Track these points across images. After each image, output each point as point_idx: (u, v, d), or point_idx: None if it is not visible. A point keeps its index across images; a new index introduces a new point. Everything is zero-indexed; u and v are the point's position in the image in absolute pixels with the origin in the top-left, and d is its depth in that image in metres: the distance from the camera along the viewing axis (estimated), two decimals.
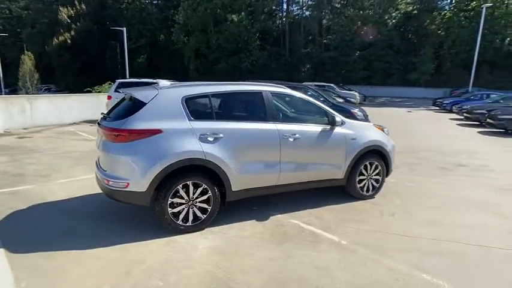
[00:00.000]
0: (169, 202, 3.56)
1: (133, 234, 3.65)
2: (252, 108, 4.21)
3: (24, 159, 7.09)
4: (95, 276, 2.89)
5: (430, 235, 3.82)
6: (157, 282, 2.82)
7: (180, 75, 33.94)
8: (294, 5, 46.84)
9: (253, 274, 2.97)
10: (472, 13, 33.94)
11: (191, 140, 3.61)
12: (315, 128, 4.42)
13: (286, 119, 4.33)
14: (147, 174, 3.43)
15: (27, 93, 25.42)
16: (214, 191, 3.76)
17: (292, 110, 4.60)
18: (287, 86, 4.75)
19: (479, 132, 12.56)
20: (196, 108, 3.79)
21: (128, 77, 29.02)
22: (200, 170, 3.69)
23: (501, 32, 32.83)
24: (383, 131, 5.15)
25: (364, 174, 4.83)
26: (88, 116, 14.17)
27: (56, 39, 43.99)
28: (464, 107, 16.06)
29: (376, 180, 4.97)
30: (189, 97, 3.77)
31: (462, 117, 15.95)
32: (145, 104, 3.59)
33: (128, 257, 3.22)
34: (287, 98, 4.52)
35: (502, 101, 15.63)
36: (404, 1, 39.21)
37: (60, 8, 45.21)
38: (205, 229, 3.81)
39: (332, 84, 21.34)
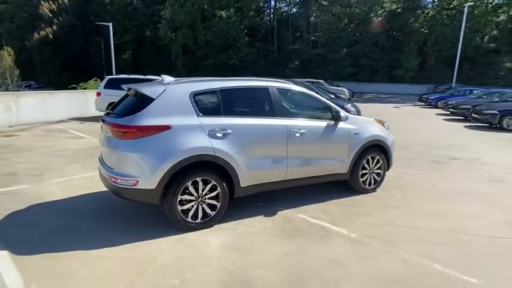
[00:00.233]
0: (178, 199, 3.51)
1: (140, 232, 3.59)
2: (259, 103, 4.18)
3: (14, 158, 6.86)
4: (107, 276, 2.83)
5: (435, 226, 3.90)
6: (173, 280, 2.77)
7: (167, 71, 33.49)
8: (281, 2, 46.83)
9: (269, 269, 2.96)
10: (453, 12, 34.72)
11: (200, 136, 3.57)
12: (320, 123, 4.44)
13: (292, 114, 4.33)
14: (156, 171, 3.37)
15: (7, 90, 24.55)
16: (223, 187, 3.73)
17: (298, 106, 4.60)
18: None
19: (465, 126, 12.91)
20: (204, 104, 3.75)
21: (114, 73, 28.46)
22: (209, 166, 3.65)
23: (481, 30, 33.73)
24: (383, 125, 5.22)
25: (366, 169, 4.89)
26: (76, 113, 13.84)
27: (36, 34, 42.67)
28: (450, 102, 16.45)
29: (378, 174, 5.04)
30: (197, 93, 3.71)
31: (448, 112, 16.34)
32: (153, 99, 3.51)
33: (138, 256, 3.15)
34: (292, 94, 4.52)
35: (485, 97, 16.09)
36: None
37: (42, 2, 43.80)
38: (214, 226, 3.78)
39: (321, 81, 21.48)
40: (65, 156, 7.02)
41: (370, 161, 4.90)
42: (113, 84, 13.10)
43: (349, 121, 4.67)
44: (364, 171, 4.88)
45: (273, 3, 45.94)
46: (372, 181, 4.99)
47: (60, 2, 44.32)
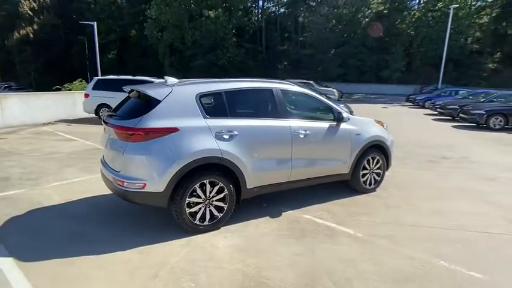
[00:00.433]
0: (186, 202, 3.50)
1: (147, 235, 3.56)
2: (264, 105, 4.20)
3: (4, 162, 6.68)
4: (122, 280, 2.80)
5: (436, 224, 4.00)
6: (188, 283, 2.76)
7: (154, 71, 33.11)
8: (269, 2, 46.98)
9: (283, 270, 2.98)
10: (438, 13, 35.56)
11: (208, 137, 3.56)
12: (323, 124, 4.49)
13: (296, 115, 4.36)
14: (165, 174, 3.35)
15: None
16: (230, 189, 3.73)
17: (301, 107, 4.64)
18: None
19: (453, 126, 13.24)
20: (210, 106, 3.74)
21: (99, 73, 28.00)
22: (216, 168, 3.65)
23: (465, 32, 34.68)
24: (382, 126, 5.31)
25: (367, 169, 4.97)
26: (63, 115, 13.57)
27: (16, 34, 41.62)
28: (438, 103, 16.84)
29: (378, 174, 5.13)
30: (202, 94, 3.70)
31: (436, 112, 16.71)
32: (159, 101, 3.49)
33: (150, 259, 3.13)
34: (295, 95, 4.55)
35: (471, 97, 16.55)
36: (376, 1, 40.41)
37: (22, 0, 42.69)
38: (222, 228, 3.78)
39: (311, 81, 21.65)
40: (57, 160, 6.87)
41: (371, 161, 4.98)
42: (102, 86, 12.92)
43: (351, 122, 4.74)
44: (364, 172, 4.95)
45: (260, 3, 46.14)
46: (372, 181, 5.08)
47: (41, 0, 43.28)
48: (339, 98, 22.56)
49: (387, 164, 5.23)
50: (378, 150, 5.04)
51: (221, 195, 3.71)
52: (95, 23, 28.88)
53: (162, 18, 39.39)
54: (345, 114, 4.60)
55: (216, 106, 3.80)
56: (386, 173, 5.55)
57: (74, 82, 19.47)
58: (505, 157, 7.81)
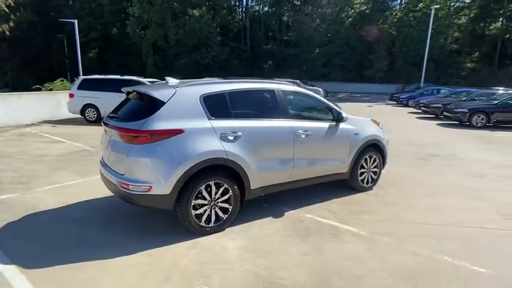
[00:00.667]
0: (192, 204, 3.47)
1: (153, 238, 3.52)
2: (266, 105, 4.22)
3: None
4: (133, 285, 2.77)
5: (435, 221, 4.13)
6: (201, 286, 2.75)
7: (136, 70, 32.55)
8: (253, 1, 46.96)
9: (294, 269, 3.01)
10: (419, 14, 36.46)
11: (213, 139, 3.55)
12: (323, 124, 4.55)
13: (297, 116, 4.40)
14: (171, 177, 3.31)
15: None
16: (234, 190, 3.73)
17: (301, 107, 4.67)
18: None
19: (438, 124, 13.63)
20: (214, 107, 3.71)
21: (81, 72, 27.33)
22: (221, 170, 3.64)
23: (444, 32, 35.69)
24: (378, 125, 5.41)
25: (364, 167, 5.07)
26: (47, 116, 13.15)
27: None
28: (421, 101, 17.29)
29: (374, 173, 5.23)
30: (207, 95, 3.68)
31: (420, 111, 17.16)
32: (164, 103, 3.44)
33: (159, 262, 3.10)
34: (295, 95, 4.58)
35: (453, 96, 17.06)
36: (359, 0, 41.04)
37: None
38: (226, 229, 3.77)
39: (297, 81, 21.79)
40: (47, 162, 6.67)
41: (368, 160, 5.08)
42: (88, 85, 12.64)
43: (349, 122, 4.81)
44: (362, 170, 5.04)
45: (244, 1, 46.05)
46: (369, 179, 5.18)
47: None
48: (324, 97, 22.82)
49: (383, 162, 5.34)
50: (374, 149, 5.14)
51: (226, 197, 3.70)
52: (76, 20, 28.13)
53: (145, 16, 38.74)
54: (344, 114, 4.67)
55: (220, 107, 3.78)
56: (382, 171, 5.67)
57: (55, 82, 18.91)
58: (490, 154, 8.11)
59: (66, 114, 13.14)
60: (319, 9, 39.68)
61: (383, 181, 5.50)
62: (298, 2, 42.64)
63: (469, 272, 3.02)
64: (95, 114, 12.43)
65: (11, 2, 42.48)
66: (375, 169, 5.22)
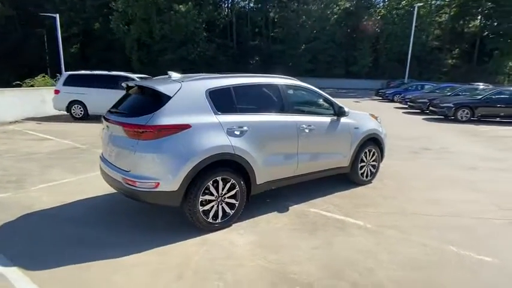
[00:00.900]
0: (200, 200, 3.43)
1: (158, 236, 3.46)
2: (270, 100, 4.20)
3: None
4: (147, 283, 2.70)
5: (435, 212, 4.22)
6: (216, 283, 2.72)
7: (120, 66, 31.82)
8: None
9: (306, 264, 3.01)
10: (402, 11, 37.13)
11: (220, 134, 3.50)
12: (325, 119, 4.57)
13: (300, 110, 4.40)
14: (179, 172, 3.25)
15: None
16: (241, 185, 3.70)
17: (303, 101, 4.68)
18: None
19: (424, 119, 13.94)
20: (220, 101, 3.66)
21: (63, 68, 26.59)
22: (228, 165, 3.60)
23: (426, 29, 36.46)
24: (376, 119, 5.48)
25: (364, 161, 5.12)
26: (31, 113, 12.71)
27: None
28: (407, 96, 17.63)
29: (373, 166, 5.30)
30: (212, 90, 3.63)
31: (406, 106, 17.49)
32: (170, 97, 3.37)
33: (169, 260, 3.04)
34: (298, 90, 4.58)
35: (437, 91, 17.46)
36: None
37: None
38: (233, 225, 3.75)
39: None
40: (37, 160, 6.45)
41: (367, 153, 5.13)
42: (74, 81, 12.28)
43: (350, 116, 4.85)
44: (362, 164, 5.10)
45: None
46: (369, 173, 5.24)
47: None
48: None
49: (381, 156, 5.41)
50: (373, 143, 5.20)
51: (233, 192, 3.67)
52: (57, 15, 27.27)
53: (129, 11, 37.95)
54: (346, 109, 4.70)
55: (226, 102, 3.73)
56: None
57: (36, 78, 18.30)
58: (477, 147, 8.36)
59: (51, 111, 12.74)
60: (305, 6, 39.80)
61: (380, 174, 5.57)
62: None
63: (474, 261, 3.10)
64: (81, 110, 12.11)
65: None
66: (374, 163, 5.28)
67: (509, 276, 2.90)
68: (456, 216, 4.13)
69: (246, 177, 3.76)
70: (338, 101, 4.87)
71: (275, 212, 4.14)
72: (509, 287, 2.80)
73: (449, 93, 15.69)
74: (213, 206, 3.56)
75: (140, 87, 3.76)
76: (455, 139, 9.41)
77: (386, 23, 37.71)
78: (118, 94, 12.46)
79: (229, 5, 46.54)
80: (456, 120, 12.73)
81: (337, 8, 40.89)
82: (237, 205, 3.72)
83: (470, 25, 40.70)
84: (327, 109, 4.72)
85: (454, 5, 39.05)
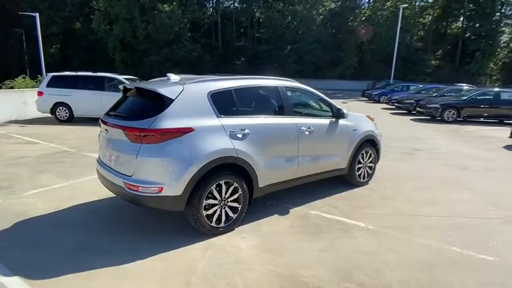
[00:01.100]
0: (204, 204, 3.37)
1: (161, 241, 3.39)
2: (271, 102, 4.18)
3: None
4: None
5: (434, 213, 4.29)
6: None
7: (102, 67, 31.09)
8: None
9: (314, 267, 3.01)
10: (387, 12, 37.79)
11: (222, 137, 3.46)
12: (324, 121, 4.58)
13: (300, 112, 4.41)
14: (183, 177, 3.20)
15: None
16: (243, 188, 3.67)
17: (303, 103, 4.68)
18: None
19: (412, 119, 14.21)
20: (222, 104, 3.61)
21: (44, 69, 25.89)
22: (231, 168, 3.56)
23: (410, 30, 37.21)
24: (372, 121, 5.53)
25: (361, 163, 5.16)
26: (13, 116, 12.33)
27: None
28: (394, 97, 17.93)
29: (370, 167, 5.35)
30: (214, 92, 3.58)
31: (393, 106, 17.79)
32: (172, 100, 3.31)
33: (175, 266, 2.98)
34: (297, 92, 4.58)
35: (423, 92, 17.83)
36: None
37: None
38: (236, 229, 3.71)
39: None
40: (26, 165, 6.24)
41: (364, 155, 5.18)
42: (58, 83, 11.95)
43: (348, 118, 4.87)
44: (359, 165, 5.14)
45: None
46: (366, 174, 5.29)
47: None
48: None
49: (378, 157, 5.47)
50: (370, 144, 5.25)
51: (235, 196, 3.64)
52: (37, 14, 26.52)
53: (111, 10, 37.24)
54: (344, 111, 4.72)
55: (228, 104, 3.69)
56: None
57: (16, 79, 17.73)
58: (466, 147, 8.58)
59: (34, 113, 12.38)
60: (291, 7, 40.00)
61: (376, 176, 5.63)
62: None
63: (477, 261, 3.16)
64: (66, 113, 11.81)
65: None
66: (371, 164, 5.33)
67: None
68: (454, 216, 4.20)
69: (248, 180, 3.72)
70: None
71: (276, 215, 4.12)
72: None
73: (435, 94, 16.06)
74: (216, 210, 3.51)
75: (140, 90, 3.68)
76: (445, 139, 9.62)
77: (372, 23, 38.29)
78: (104, 96, 12.21)
79: (214, 4, 46.33)
80: (443, 121, 13.03)
81: (323, 8, 41.27)
82: (239, 209, 3.69)
83: (453, 26, 41.83)
84: (326, 111, 4.73)
85: (437, 7, 40.06)
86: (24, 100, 12.98)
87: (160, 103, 3.31)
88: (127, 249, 3.25)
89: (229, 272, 2.90)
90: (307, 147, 4.30)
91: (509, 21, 37.65)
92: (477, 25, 37.09)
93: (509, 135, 8.70)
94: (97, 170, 3.93)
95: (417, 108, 14.32)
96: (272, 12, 39.93)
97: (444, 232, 3.74)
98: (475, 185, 5.44)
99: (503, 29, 37.70)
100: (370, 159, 5.30)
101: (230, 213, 3.63)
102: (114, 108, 3.81)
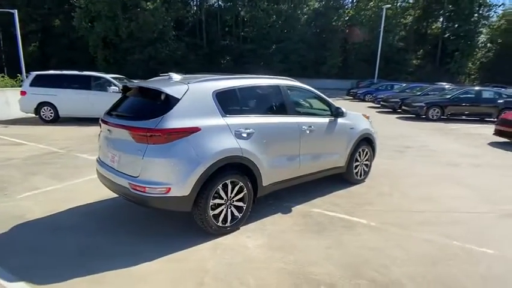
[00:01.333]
0: (210, 204, 3.36)
1: (168, 242, 3.36)
2: (273, 101, 4.19)
3: None
4: None
5: (431, 208, 4.41)
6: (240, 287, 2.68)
7: (84, 65, 30.31)
8: None
9: (323, 264, 3.05)
10: (369, 12, 38.43)
11: (228, 136, 3.46)
12: (324, 120, 4.64)
13: (301, 111, 4.44)
14: (191, 177, 3.17)
15: None
16: (248, 187, 3.67)
17: (303, 102, 4.72)
18: None
19: (397, 117, 14.53)
20: (226, 103, 3.60)
21: (22, 68, 25.07)
22: (236, 168, 3.56)
23: (392, 30, 37.93)
24: (368, 119, 5.63)
25: (358, 161, 5.25)
26: None
27: None
28: (379, 96, 18.28)
29: (366, 165, 5.45)
30: (219, 91, 3.57)
31: (378, 105, 18.13)
32: (178, 99, 3.28)
33: (185, 266, 2.96)
34: (297, 91, 4.62)
35: (408, 91, 18.25)
36: None
37: None
38: (241, 228, 3.71)
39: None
40: (16, 167, 6.03)
41: (361, 153, 5.26)
42: (42, 82, 11.58)
43: (345, 116, 4.94)
44: (356, 163, 5.22)
45: None
46: (362, 172, 5.38)
47: None
48: None
49: (373, 155, 5.58)
50: (366, 142, 5.34)
51: (241, 195, 3.64)
52: (16, 10, 25.62)
53: (92, 7, 36.38)
54: (344, 109, 4.79)
55: (232, 103, 3.69)
56: None
57: None
58: (453, 144, 8.86)
59: (17, 113, 11.98)
60: (275, 6, 40.11)
61: (372, 173, 5.73)
62: None
63: (479, 254, 3.28)
64: (51, 112, 11.46)
65: None
66: (367, 162, 5.43)
67: None
68: (451, 211, 4.34)
69: (252, 179, 3.73)
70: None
71: (279, 214, 4.15)
72: None
73: (419, 93, 16.46)
74: (222, 210, 3.51)
75: (144, 89, 3.62)
76: (432, 137, 9.88)
77: (355, 23, 38.84)
78: (91, 95, 11.92)
79: (198, 3, 45.92)
80: (427, 119, 13.38)
81: (307, 8, 41.57)
82: (244, 208, 3.69)
83: (433, 27, 42.93)
84: (324, 110, 4.79)
85: (418, 7, 41.03)
86: (5, 100, 12.55)
87: (166, 103, 3.28)
88: (132, 251, 3.20)
89: (241, 271, 2.91)
90: (308, 145, 4.34)
91: (486, 22, 38.96)
92: (456, 26, 38.22)
93: (493, 133, 9.02)
94: (97, 170, 3.85)
95: (402, 107, 14.65)
96: (257, 11, 39.92)
97: (443, 227, 3.85)
98: (467, 181, 5.63)
99: (481, 29, 39.01)
100: (367, 157, 5.40)
101: (236, 213, 3.63)
102: (116, 107, 3.74)
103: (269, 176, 3.89)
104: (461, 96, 13.58)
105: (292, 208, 4.33)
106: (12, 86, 15.48)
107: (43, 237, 3.47)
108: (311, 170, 4.52)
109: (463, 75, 39.22)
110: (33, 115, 11.50)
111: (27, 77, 12.72)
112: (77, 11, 36.39)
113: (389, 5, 32.84)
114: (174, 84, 3.48)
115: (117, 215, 4.09)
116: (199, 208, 3.31)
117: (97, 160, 3.91)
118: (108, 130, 3.56)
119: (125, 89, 3.95)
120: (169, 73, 3.83)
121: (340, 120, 4.83)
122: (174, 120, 3.19)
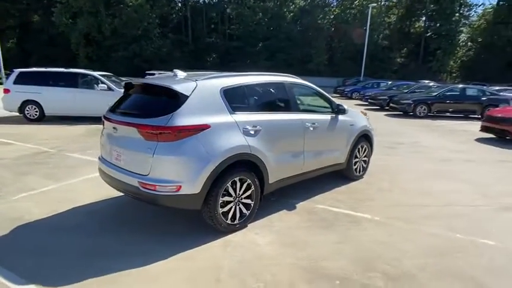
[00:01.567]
0: (220, 201, 3.34)
1: (177, 241, 3.32)
2: (278, 98, 4.20)
3: None
4: None
5: (432, 203, 4.53)
6: (257, 284, 2.68)
7: (65, 62, 29.47)
8: None
9: (335, 258, 3.08)
10: (355, 11, 38.94)
11: (237, 134, 3.44)
12: (326, 117, 4.68)
13: (304, 108, 4.46)
14: (201, 174, 3.14)
15: None
16: (256, 185, 3.67)
17: (306, 100, 4.74)
18: None
19: (386, 115, 14.80)
20: (234, 100, 3.59)
21: (1, 65, 24.26)
22: (244, 165, 3.55)
23: (377, 29, 38.58)
24: (365, 116, 5.71)
25: (357, 157, 5.32)
26: None
27: None
28: (367, 94, 18.56)
29: (364, 161, 5.53)
30: (226, 88, 3.54)
31: (365, 103, 18.41)
32: (187, 97, 3.24)
33: (200, 264, 2.94)
34: (300, 88, 4.63)
35: (394, 88, 18.60)
36: None
37: None
38: (248, 225, 3.71)
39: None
40: (6, 167, 5.82)
41: (360, 149, 5.34)
42: (26, 79, 11.21)
43: (346, 114, 5.00)
44: (355, 160, 5.29)
45: None
46: (361, 168, 5.46)
47: None
48: None
49: (371, 151, 5.66)
50: (364, 139, 5.42)
51: (248, 192, 3.64)
52: None
53: (74, 3, 35.47)
54: (345, 106, 4.84)
55: (239, 101, 3.69)
56: None
57: None
58: (442, 140, 9.10)
59: (0, 112, 11.57)
60: (262, 3, 40.10)
61: (369, 169, 5.82)
62: None
63: (481, 245, 3.39)
64: (36, 111, 11.11)
65: None
66: (365, 158, 5.51)
67: None
68: (450, 205, 4.46)
69: (259, 176, 3.73)
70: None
71: (284, 210, 4.16)
72: None
73: (406, 91, 16.80)
74: (231, 208, 3.50)
75: (150, 86, 3.56)
76: (422, 134, 10.13)
77: (341, 22, 39.27)
78: (78, 93, 11.66)
79: None
80: (415, 116, 13.69)
81: (293, 6, 41.75)
82: (252, 205, 3.69)
83: (416, 26, 43.87)
84: (326, 107, 4.83)
85: (401, 6, 41.85)
86: None
87: (175, 100, 3.23)
88: (139, 250, 3.15)
89: (255, 267, 2.91)
90: (312, 142, 4.37)
91: (467, 22, 40.12)
92: (438, 25, 39.22)
93: (480, 129, 9.31)
94: (99, 169, 3.77)
95: (390, 104, 14.93)
96: (243, 8, 39.83)
97: (445, 220, 3.96)
98: (461, 175, 5.79)
99: (462, 28, 40.15)
100: (365, 153, 5.48)
101: (244, 210, 3.63)
102: (119, 104, 3.66)
103: (275, 173, 3.90)
104: (447, 93, 13.95)
105: (297, 205, 4.35)
106: None
107: (46, 239, 3.37)
108: (314, 167, 4.55)
109: (444, 73, 40.30)
110: (17, 114, 11.14)
111: (6, 74, 12.28)
112: (58, 6, 35.44)
113: (375, 4, 33.36)
114: (182, 81, 3.44)
115: (119, 214, 4.02)
116: (209, 206, 3.29)
117: (99, 158, 3.82)
118: (114, 128, 3.48)
119: (128, 87, 3.87)
120: (174, 70, 3.78)
121: (341, 117, 4.88)
122: (184, 118, 3.15)
